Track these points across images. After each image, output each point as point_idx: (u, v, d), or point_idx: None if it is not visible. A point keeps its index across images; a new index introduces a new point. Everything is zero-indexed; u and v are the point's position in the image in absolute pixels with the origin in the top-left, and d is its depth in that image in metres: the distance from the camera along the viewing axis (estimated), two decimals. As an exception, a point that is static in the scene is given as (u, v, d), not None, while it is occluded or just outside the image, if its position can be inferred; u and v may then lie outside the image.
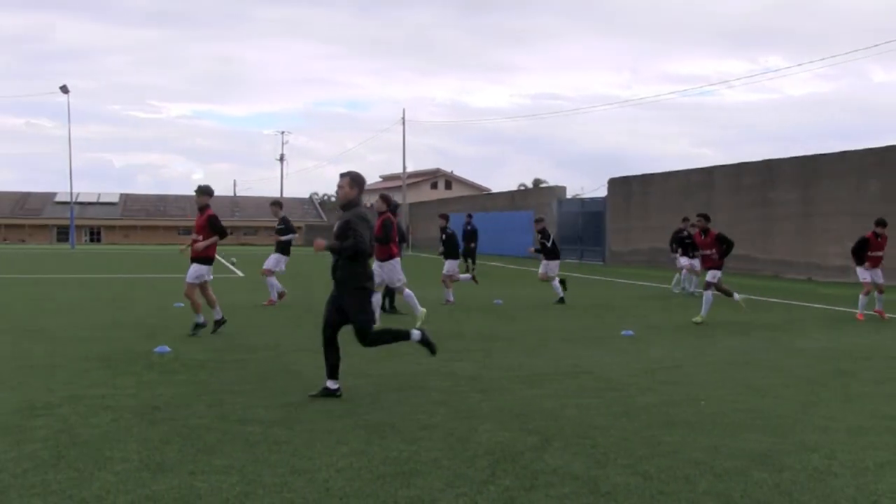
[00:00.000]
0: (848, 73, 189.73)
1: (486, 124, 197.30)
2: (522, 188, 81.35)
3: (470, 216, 29.18)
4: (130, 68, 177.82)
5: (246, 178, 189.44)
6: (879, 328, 13.57)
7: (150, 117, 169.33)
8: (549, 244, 17.88)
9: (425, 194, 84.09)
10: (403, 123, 65.02)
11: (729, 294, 14.15)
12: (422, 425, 6.35)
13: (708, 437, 6.08)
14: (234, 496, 4.65)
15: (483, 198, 59.42)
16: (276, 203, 17.06)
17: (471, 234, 27.85)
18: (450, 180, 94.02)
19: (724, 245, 13.78)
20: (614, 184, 38.57)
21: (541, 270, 18.11)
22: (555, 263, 17.99)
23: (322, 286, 19.32)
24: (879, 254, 14.50)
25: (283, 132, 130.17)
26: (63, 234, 79.74)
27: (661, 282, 24.49)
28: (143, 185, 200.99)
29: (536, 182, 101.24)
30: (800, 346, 11.23)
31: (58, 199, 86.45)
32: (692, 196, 32.79)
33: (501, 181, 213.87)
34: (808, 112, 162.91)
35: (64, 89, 61.34)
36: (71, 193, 67.02)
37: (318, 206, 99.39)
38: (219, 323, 11.32)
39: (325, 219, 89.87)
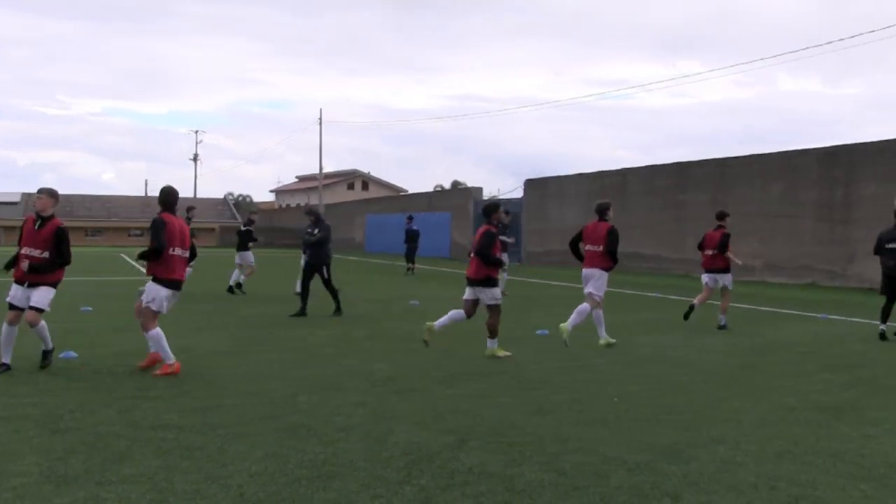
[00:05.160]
0: (760, 81, 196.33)
1: (408, 125, 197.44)
2: (440, 189, 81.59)
3: (411, 217, 30.03)
4: (40, 62, 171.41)
5: (159, 177, 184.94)
6: (784, 325, 14.09)
7: (58, 113, 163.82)
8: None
9: (342, 195, 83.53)
10: (320, 123, 64.49)
11: None
12: (339, 427, 6.32)
13: (620, 433, 6.22)
14: (144, 505, 4.54)
15: (400, 199, 59.38)
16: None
17: (412, 235, 28.66)
18: (367, 181, 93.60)
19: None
20: (530, 185, 39.03)
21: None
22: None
23: (222, 287, 19.03)
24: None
25: (196, 131, 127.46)
26: (-39, 234, 76.59)
27: (575, 281, 24.86)
28: (49, 185, 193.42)
29: (455, 183, 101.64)
30: (710, 342, 11.56)
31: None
32: (606, 197, 33.30)
33: (424, 182, 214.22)
34: (723, 117, 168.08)
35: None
36: (-31, 194, 64.36)
37: (231, 206, 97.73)
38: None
39: (240, 219, 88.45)
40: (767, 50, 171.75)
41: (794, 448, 5.87)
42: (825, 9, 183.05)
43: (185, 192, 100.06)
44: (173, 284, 8.58)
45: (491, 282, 9.98)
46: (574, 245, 11.52)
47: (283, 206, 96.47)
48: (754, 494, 4.83)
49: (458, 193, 49.14)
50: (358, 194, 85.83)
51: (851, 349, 11.08)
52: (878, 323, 12.26)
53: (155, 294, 8.45)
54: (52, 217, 8.53)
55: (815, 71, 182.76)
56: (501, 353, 10.01)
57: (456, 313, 10.22)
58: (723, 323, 13.36)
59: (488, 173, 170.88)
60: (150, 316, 8.49)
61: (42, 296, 8.40)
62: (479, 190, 45.54)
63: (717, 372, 9.10)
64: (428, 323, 10.18)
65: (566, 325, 10.69)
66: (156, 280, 8.50)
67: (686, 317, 13.66)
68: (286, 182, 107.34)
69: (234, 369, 8.84)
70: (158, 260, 8.43)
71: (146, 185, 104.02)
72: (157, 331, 8.43)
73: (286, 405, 7.08)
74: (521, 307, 16.88)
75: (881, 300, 12.43)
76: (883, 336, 11.99)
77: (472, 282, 10.06)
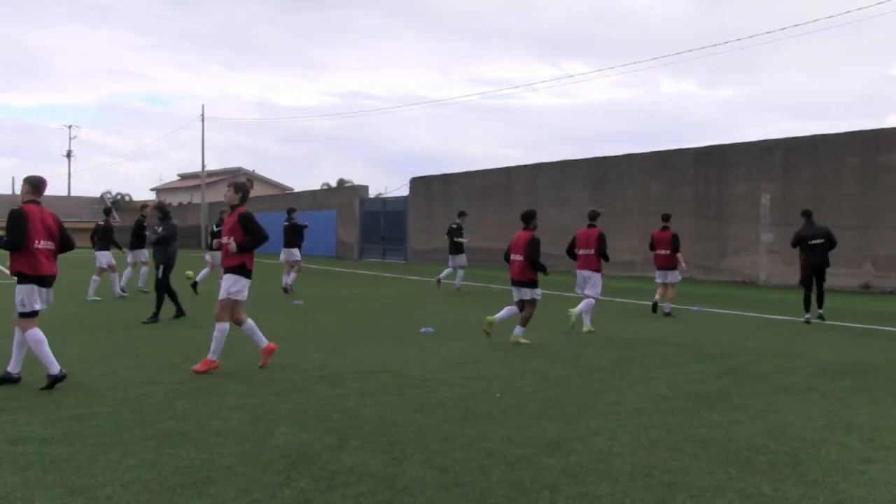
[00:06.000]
0: (643, 82, 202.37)
1: (295, 123, 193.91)
2: (326, 187, 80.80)
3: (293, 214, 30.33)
4: None
5: (28, 174, 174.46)
6: (661, 318, 14.56)
7: None
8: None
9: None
10: (202, 120, 62.92)
11: None
12: (216, 431, 6.15)
13: (502, 428, 6.28)
14: (2, 521, 4.30)
15: (286, 197, 58.51)
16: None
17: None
18: (251, 179, 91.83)
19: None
20: (416, 183, 39.09)
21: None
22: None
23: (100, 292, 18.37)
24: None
25: (70, 126, 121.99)
26: None
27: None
28: None
29: (341, 182, 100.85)
30: (591, 336, 11.83)
31: None
32: (491, 195, 33.82)
33: (311, 180, 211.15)
34: (607, 117, 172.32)
35: None
36: None
37: (109, 205, 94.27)
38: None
39: (119, 219, 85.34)
40: (650, 52, 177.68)
41: (667, 436, 6.07)
42: (699, 14, 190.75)
43: (58, 190, 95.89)
44: (251, 273, 9.02)
45: (534, 283, 11.18)
46: (570, 252, 13.10)
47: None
48: (630, 483, 4.96)
49: (345, 192, 48.79)
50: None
51: (723, 339, 11.55)
52: (805, 314, 14.03)
53: (241, 285, 8.87)
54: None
55: (693, 74, 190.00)
56: (524, 340, 11.10)
57: (511, 309, 11.42)
58: (668, 310, 15.03)
59: (375, 172, 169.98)
60: (238, 307, 8.95)
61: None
62: (366, 188, 45.35)
63: (596, 365, 9.32)
64: (488, 318, 11.27)
65: (587, 326, 12.31)
66: (241, 271, 8.87)
67: (654, 309, 15.15)
68: (168, 180, 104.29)
69: (108, 375, 8.50)
70: (245, 253, 8.88)
71: (13, 182, 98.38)
72: (250, 322, 9.05)
73: (162, 411, 6.85)
74: (406, 305, 16.88)
75: (770, 294, 13.16)
76: (809, 322, 13.75)
77: (518, 283, 11.24)
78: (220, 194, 77.80)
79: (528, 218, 11.43)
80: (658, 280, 15.44)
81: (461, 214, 22.54)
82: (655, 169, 27.28)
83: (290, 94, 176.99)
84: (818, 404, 7.30)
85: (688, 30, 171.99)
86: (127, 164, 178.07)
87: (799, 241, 14.37)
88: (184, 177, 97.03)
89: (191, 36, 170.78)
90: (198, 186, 69.24)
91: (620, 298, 18.11)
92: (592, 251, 12.58)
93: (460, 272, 21.27)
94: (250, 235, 8.81)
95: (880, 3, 37.80)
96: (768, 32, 69.66)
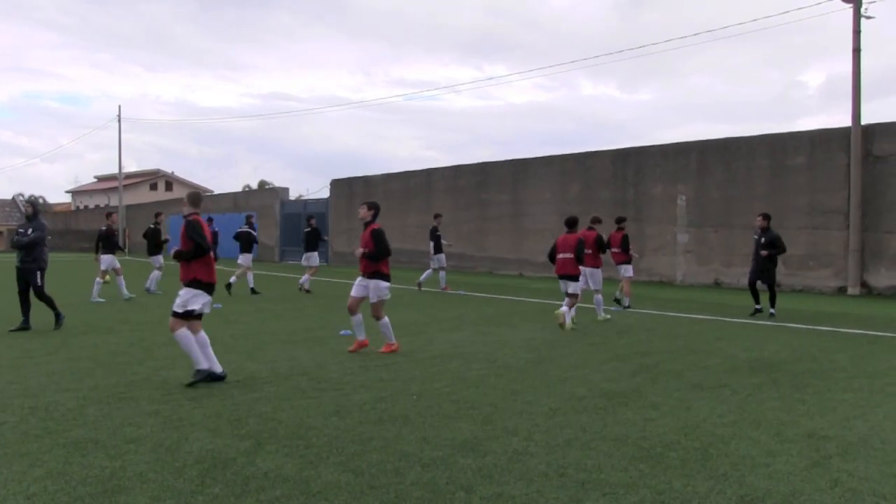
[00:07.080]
0: (564, 85, 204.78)
1: (215, 124, 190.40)
2: (246, 189, 79.71)
3: (210, 219, 30.27)
4: None
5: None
6: (577, 318, 14.75)
7: None
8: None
9: (144, 196, 79.90)
10: (119, 121, 61.38)
11: None
12: (129, 438, 6.02)
13: (419, 430, 6.29)
14: None
15: (205, 199, 57.48)
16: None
17: (212, 236, 29.02)
18: (170, 181, 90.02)
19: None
20: (336, 185, 38.87)
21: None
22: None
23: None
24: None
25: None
26: None
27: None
28: None
29: (261, 183, 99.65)
30: (510, 337, 11.94)
31: None
32: (413, 197, 33.83)
33: (231, 182, 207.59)
34: (528, 118, 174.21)
35: None
36: None
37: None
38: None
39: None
40: (570, 56, 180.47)
41: (582, 435, 6.17)
42: (618, 18, 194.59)
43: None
44: (389, 277, 10.40)
45: (577, 277, 13.12)
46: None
47: (81, 207, 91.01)
48: (544, 482, 5.02)
49: (265, 194, 48.21)
50: (161, 195, 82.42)
51: (638, 338, 11.78)
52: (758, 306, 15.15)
53: (385, 289, 10.28)
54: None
55: (613, 77, 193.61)
56: (570, 326, 12.82)
57: (567, 303, 13.04)
58: (627, 304, 16.49)
59: (296, 173, 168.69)
60: (382, 307, 10.33)
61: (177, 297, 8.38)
62: (286, 190, 44.90)
63: (514, 366, 9.41)
64: (557, 311, 13.05)
65: (601, 316, 14.19)
66: (382, 276, 10.23)
67: (618, 301, 16.64)
68: (85, 182, 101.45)
69: (16, 383, 8.22)
70: (384, 260, 10.21)
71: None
72: (387, 319, 10.37)
73: (73, 418, 6.67)
74: (326, 307, 16.76)
75: (686, 293, 13.44)
76: (759, 312, 15.01)
77: (567, 277, 13.05)
78: (140, 196, 76.27)
79: (573, 224, 13.20)
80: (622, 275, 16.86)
81: (437, 216, 22.33)
82: (574, 170, 27.69)
83: (210, 95, 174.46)
84: (729, 400, 7.51)
85: (608, 34, 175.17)
86: (42, 166, 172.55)
87: (779, 242, 15.26)
88: (101, 178, 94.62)
89: (107, 35, 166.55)
90: (115, 188, 67.49)
91: (536, 299, 18.30)
92: (592, 251, 14.27)
93: (429, 272, 21.74)
94: (376, 248, 10.14)
95: (785, 12, 39.10)
96: (682, 38, 71.51)
